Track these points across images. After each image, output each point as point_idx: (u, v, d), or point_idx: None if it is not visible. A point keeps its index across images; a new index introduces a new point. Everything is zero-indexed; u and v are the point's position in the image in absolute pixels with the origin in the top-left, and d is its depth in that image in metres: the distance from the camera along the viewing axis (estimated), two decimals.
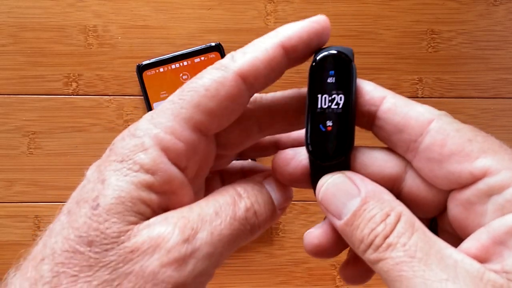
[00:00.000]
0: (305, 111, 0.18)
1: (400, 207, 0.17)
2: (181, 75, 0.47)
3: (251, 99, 0.19)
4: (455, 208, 0.17)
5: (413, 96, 0.48)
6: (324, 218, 0.20)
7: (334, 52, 0.18)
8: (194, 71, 0.47)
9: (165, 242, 0.15)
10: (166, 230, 0.15)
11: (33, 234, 0.46)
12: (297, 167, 0.19)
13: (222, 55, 0.47)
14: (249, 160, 0.23)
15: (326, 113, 0.18)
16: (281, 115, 0.20)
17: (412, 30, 0.49)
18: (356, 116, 0.18)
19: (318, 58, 0.18)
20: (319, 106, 0.18)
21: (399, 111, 0.17)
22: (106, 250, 0.15)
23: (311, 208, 0.47)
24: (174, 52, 0.47)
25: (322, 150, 0.18)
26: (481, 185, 0.16)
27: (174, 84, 0.46)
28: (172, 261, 0.15)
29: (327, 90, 0.18)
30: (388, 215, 0.16)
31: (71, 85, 0.47)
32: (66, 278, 0.15)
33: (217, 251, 0.16)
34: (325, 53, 0.19)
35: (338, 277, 0.47)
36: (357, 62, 0.44)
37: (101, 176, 0.16)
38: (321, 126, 0.18)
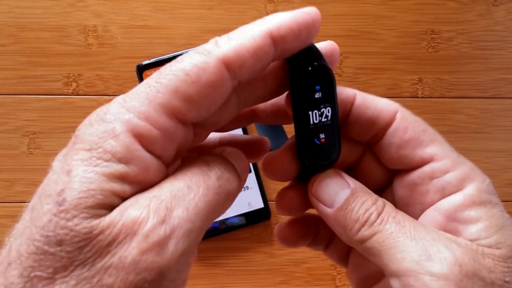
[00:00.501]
0: (295, 125, 0.19)
1: (382, 198, 0.19)
2: None
3: None
4: (401, 189, 0.20)
5: (413, 96, 0.48)
6: None
7: (316, 65, 0.19)
8: None
9: (141, 227, 0.14)
10: (141, 214, 0.14)
11: None
12: (285, 169, 0.20)
13: None
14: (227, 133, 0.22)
15: (318, 128, 0.19)
16: (261, 85, 0.19)
17: (412, 30, 0.49)
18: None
19: (301, 74, 0.18)
20: (311, 122, 0.19)
21: (369, 105, 0.19)
22: (79, 247, 0.14)
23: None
24: (174, 52, 0.47)
25: (317, 159, 0.19)
26: (426, 168, 0.19)
27: None
28: (152, 245, 0.14)
29: (316, 105, 0.19)
30: (377, 200, 0.18)
31: (71, 85, 0.47)
32: (40, 282, 0.14)
33: (196, 226, 0.15)
34: (308, 68, 0.19)
35: (338, 277, 0.47)
36: (357, 62, 0.45)
37: (66, 166, 0.15)
38: (315, 140, 0.19)
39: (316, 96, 0.19)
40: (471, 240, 0.17)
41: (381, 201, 0.19)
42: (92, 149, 0.14)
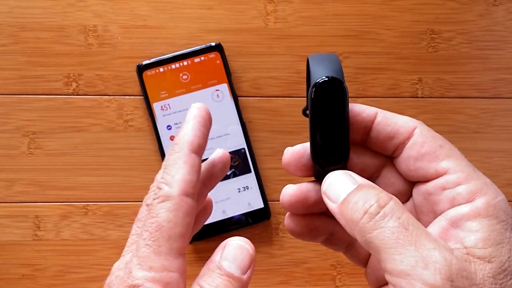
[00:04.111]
0: (311, 133, 0.22)
1: (390, 195, 0.20)
2: (181, 75, 0.47)
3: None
4: (417, 197, 0.22)
5: (413, 96, 0.48)
6: None
7: (329, 79, 0.21)
8: (194, 71, 0.47)
9: None
10: None
11: (33, 234, 0.46)
12: (303, 165, 0.23)
13: (222, 55, 0.47)
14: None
15: (331, 138, 0.21)
16: (215, 178, 0.24)
17: (412, 30, 0.49)
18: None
19: (316, 91, 0.21)
20: (325, 134, 0.21)
21: (390, 122, 0.22)
22: None
23: None
24: (174, 52, 0.47)
25: (329, 163, 0.22)
26: (440, 180, 0.20)
27: (174, 84, 0.46)
28: None
29: (331, 119, 0.21)
30: (380, 193, 0.20)
31: (71, 85, 0.47)
32: None
33: None
34: (322, 81, 0.21)
35: (338, 277, 0.47)
36: (357, 62, 0.45)
37: None
38: (324, 146, 0.21)
39: (331, 110, 0.21)
40: (466, 247, 0.19)
41: (386, 195, 0.19)
42: None
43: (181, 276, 0.20)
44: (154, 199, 0.20)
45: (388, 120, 0.22)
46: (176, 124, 0.46)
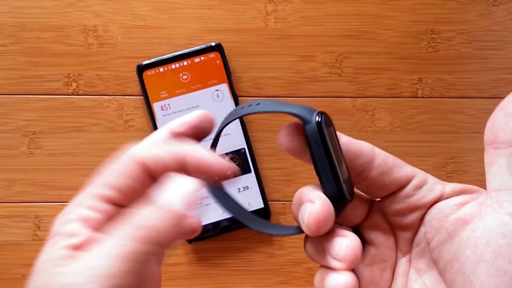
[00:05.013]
0: (320, 174, 0.21)
1: None
2: (181, 75, 0.47)
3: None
4: (396, 205, 0.22)
5: (413, 96, 0.48)
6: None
7: (322, 117, 0.20)
8: (194, 71, 0.47)
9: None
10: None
11: (33, 234, 0.46)
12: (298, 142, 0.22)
13: (222, 55, 0.47)
14: None
15: (339, 172, 0.20)
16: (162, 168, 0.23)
17: (412, 30, 0.49)
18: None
19: (316, 129, 0.20)
20: (336, 169, 0.20)
21: (354, 144, 0.22)
22: None
23: None
24: (174, 52, 0.47)
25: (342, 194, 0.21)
26: (414, 181, 0.22)
27: (174, 84, 0.46)
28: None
29: (335, 155, 0.20)
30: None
31: (71, 85, 0.47)
32: None
33: (118, 266, 0.19)
34: (318, 121, 0.20)
35: None
36: (357, 62, 0.45)
37: (41, 252, 0.21)
38: (323, 179, 0.21)
39: (333, 147, 0.20)
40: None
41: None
42: (55, 236, 0.21)
43: (105, 220, 0.21)
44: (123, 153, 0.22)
45: (352, 142, 0.22)
46: None
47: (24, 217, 0.46)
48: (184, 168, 0.22)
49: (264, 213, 0.46)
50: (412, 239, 0.23)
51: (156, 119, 0.46)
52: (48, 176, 0.47)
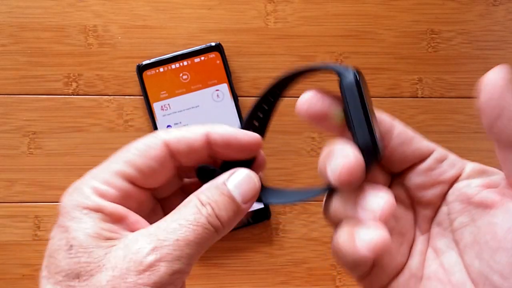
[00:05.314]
0: (354, 126, 0.20)
1: None
2: (181, 75, 0.47)
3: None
4: (418, 177, 0.22)
5: (413, 96, 0.48)
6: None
7: (358, 71, 0.20)
8: (194, 71, 0.47)
9: (139, 256, 0.19)
10: (139, 246, 0.19)
11: (33, 234, 0.46)
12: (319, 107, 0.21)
13: (222, 55, 0.47)
14: None
15: (374, 125, 0.20)
16: (195, 161, 0.23)
17: (412, 30, 0.49)
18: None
19: (354, 81, 0.20)
20: (371, 121, 0.20)
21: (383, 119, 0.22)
22: (92, 275, 0.19)
23: (311, 208, 0.47)
24: (174, 52, 0.47)
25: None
26: (435, 154, 0.21)
27: (174, 84, 0.46)
28: (146, 268, 0.19)
29: (370, 110, 0.20)
30: None
31: (71, 85, 0.47)
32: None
33: (184, 253, 0.19)
34: (356, 73, 0.20)
35: (338, 277, 0.47)
36: (357, 62, 0.45)
37: (62, 228, 0.20)
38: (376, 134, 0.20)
39: (366, 98, 0.20)
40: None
41: None
42: (62, 214, 0.20)
43: (121, 197, 0.21)
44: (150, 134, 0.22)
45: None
46: (176, 124, 0.46)
47: (24, 217, 0.46)
48: (211, 146, 0.22)
49: (264, 213, 0.46)
50: (432, 218, 0.22)
51: (156, 119, 0.46)
52: (48, 176, 0.47)
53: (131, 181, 0.21)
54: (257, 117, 0.25)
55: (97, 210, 0.20)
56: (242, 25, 0.48)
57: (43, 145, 0.47)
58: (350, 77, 0.20)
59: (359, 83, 0.20)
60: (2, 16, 0.47)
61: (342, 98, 0.20)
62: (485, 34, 0.49)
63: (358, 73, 0.20)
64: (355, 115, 0.20)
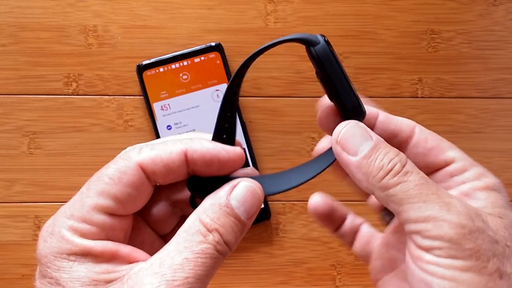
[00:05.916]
0: (338, 91, 0.21)
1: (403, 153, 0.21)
2: (181, 75, 0.47)
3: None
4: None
5: (413, 96, 0.48)
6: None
7: (325, 37, 0.20)
8: (194, 71, 0.47)
9: None
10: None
11: (33, 234, 0.46)
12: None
13: (222, 55, 0.47)
14: None
15: (352, 90, 0.21)
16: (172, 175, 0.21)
17: (412, 30, 0.49)
18: None
19: (327, 47, 0.20)
20: (351, 83, 0.21)
21: (392, 121, 0.22)
22: None
23: None
24: (174, 52, 0.47)
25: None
26: (448, 169, 0.22)
27: (174, 84, 0.46)
28: None
29: (343, 72, 0.20)
30: (399, 153, 0.21)
31: (71, 85, 0.47)
32: None
33: (197, 285, 0.18)
34: (326, 40, 0.20)
35: (338, 277, 0.47)
36: (357, 62, 0.45)
37: (50, 279, 0.18)
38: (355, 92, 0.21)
39: (326, 68, 0.20)
40: (477, 208, 0.20)
41: (403, 154, 0.21)
42: (43, 263, 0.18)
43: (102, 231, 0.19)
44: (120, 155, 0.21)
45: (390, 119, 0.22)
46: (176, 124, 0.46)
47: (24, 217, 0.46)
48: (190, 164, 0.20)
49: (264, 213, 0.46)
50: None
51: (156, 119, 0.46)
52: (48, 176, 0.47)
53: (109, 212, 0.19)
54: (224, 127, 0.24)
55: (85, 253, 0.18)
56: (242, 25, 0.48)
57: (43, 145, 0.47)
58: (322, 43, 0.20)
59: (331, 48, 0.20)
60: (2, 16, 0.47)
61: (318, 66, 0.20)
62: (485, 34, 0.49)
63: (325, 38, 0.20)
64: (336, 80, 0.20)
